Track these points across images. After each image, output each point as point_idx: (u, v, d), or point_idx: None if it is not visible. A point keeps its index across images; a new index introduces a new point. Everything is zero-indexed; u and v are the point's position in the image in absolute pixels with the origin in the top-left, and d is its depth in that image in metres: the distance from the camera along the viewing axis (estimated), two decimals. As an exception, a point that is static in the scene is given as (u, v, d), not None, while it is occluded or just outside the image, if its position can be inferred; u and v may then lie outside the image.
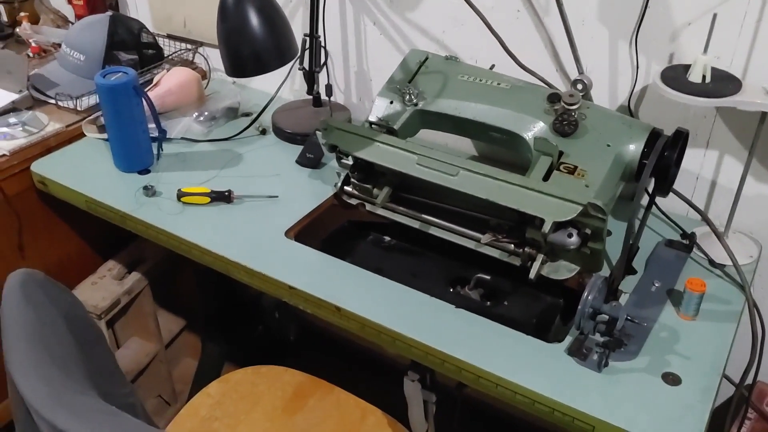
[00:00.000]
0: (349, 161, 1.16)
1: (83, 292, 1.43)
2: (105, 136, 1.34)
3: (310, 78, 1.38)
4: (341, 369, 1.45)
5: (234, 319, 1.82)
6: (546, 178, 1.02)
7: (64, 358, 0.83)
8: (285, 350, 1.85)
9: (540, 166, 1.03)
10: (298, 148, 1.35)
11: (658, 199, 1.09)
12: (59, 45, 1.61)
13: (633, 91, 1.16)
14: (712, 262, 1.08)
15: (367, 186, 1.17)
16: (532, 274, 1.02)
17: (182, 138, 1.41)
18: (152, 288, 1.54)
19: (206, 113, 1.46)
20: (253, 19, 1.08)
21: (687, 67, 1.02)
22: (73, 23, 1.76)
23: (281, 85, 1.43)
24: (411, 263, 1.21)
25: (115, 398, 0.93)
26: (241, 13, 1.08)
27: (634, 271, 1.06)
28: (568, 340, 0.94)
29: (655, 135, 1.03)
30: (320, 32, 1.33)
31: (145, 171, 1.30)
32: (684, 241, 1.12)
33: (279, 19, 1.13)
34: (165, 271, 1.57)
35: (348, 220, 1.26)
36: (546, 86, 1.18)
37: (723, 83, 1.01)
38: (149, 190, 1.23)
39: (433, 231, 1.15)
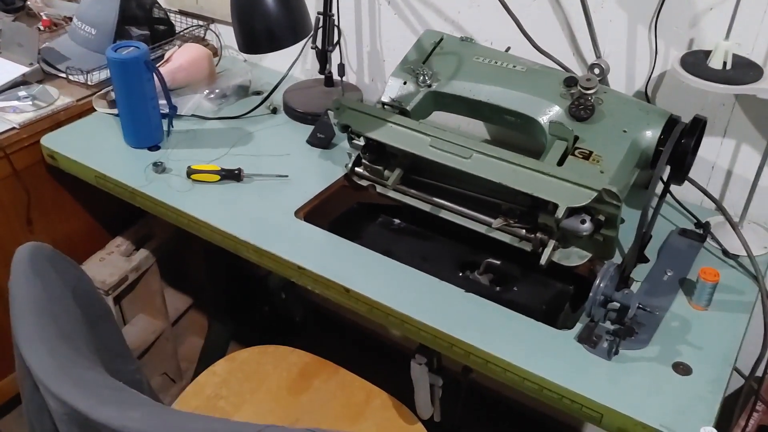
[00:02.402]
0: (361, 142, 1.15)
1: (91, 268, 1.43)
2: (115, 111, 1.34)
3: (323, 57, 1.37)
4: (347, 350, 1.45)
5: (241, 299, 1.82)
6: (560, 163, 1.01)
7: (72, 332, 0.83)
8: (291, 331, 1.85)
9: (554, 150, 1.02)
10: (309, 128, 1.34)
11: (673, 188, 1.08)
12: (70, 18, 1.59)
13: (651, 76, 1.14)
14: (725, 252, 1.07)
15: (379, 167, 1.16)
16: (543, 260, 1.01)
17: (192, 115, 1.40)
18: (160, 265, 1.54)
19: (217, 91, 1.44)
20: (267, -5, 1.06)
21: (707, 53, 1.00)
22: (84, -3, 1.75)
23: (293, 64, 1.42)
24: (421, 246, 1.20)
25: (121, 374, 0.93)
26: (255, -11, 1.06)
27: (646, 260, 1.05)
28: (578, 327, 0.93)
29: (672, 122, 1.02)
30: (334, 11, 1.31)
31: (155, 147, 1.29)
32: (698, 231, 1.11)
33: (293, -5, 1.12)
34: (173, 249, 1.57)
35: (358, 201, 1.25)
36: (562, 70, 1.16)
37: (744, 70, 0.99)
38: (159, 167, 1.22)
39: (444, 214, 1.13)
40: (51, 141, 1.31)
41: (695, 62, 1.01)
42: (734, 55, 0.99)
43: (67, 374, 0.72)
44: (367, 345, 1.80)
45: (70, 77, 1.43)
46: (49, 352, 0.75)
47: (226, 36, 1.61)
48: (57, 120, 1.35)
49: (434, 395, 1.12)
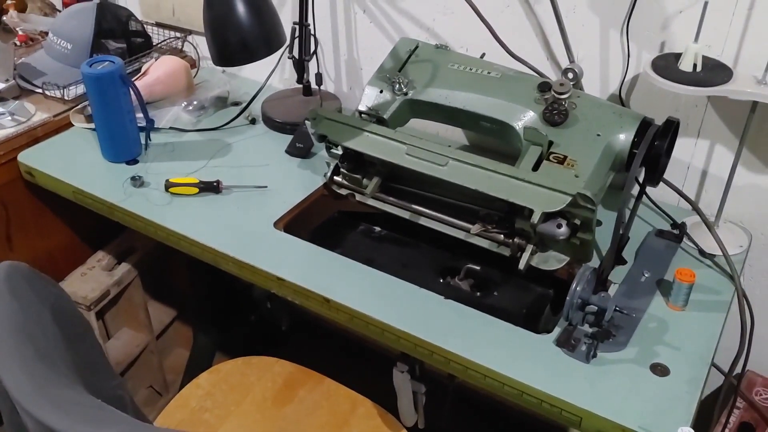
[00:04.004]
0: (339, 151, 1.15)
1: (72, 283, 1.42)
2: (93, 125, 1.33)
3: (300, 67, 1.37)
4: (334, 358, 1.45)
5: (226, 309, 1.82)
6: (536, 168, 1.01)
7: (50, 351, 0.82)
8: (277, 340, 1.85)
9: (529, 156, 1.03)
10: (288, 138, 1.34)
11: (649, 189, 1.08)
12: (46, 33, 1.59)
13: (624, 79, 1.16)
14: (702, 252, 1.08)
15: (357, 176, 1.16)
16: (521, 265, 1.01)
17: (171, 128, 1.39)
18: (143, 278, 1.53)
19: (195, 102, 1.44)
20: (240, 7, 1.07)
21: (678, 56, 1.01)
22: (60, 11, 1.74)
23: (271, 74, 1.42)
24: (401, 253, 1.21)
25: (102, 391, 0.92)
26: (227, 1, 1.06)
27: (623, 262, 1.06)
28: (557, 330, 0.94)
29: (645, 124, 1.03)
30: (310, 20, 1.32)
31: (133, 161, 1.29)
32: (674, 231, 1.12)
33: (266, 6, 1.12)
34: (155, 262, 1.57)
35: (338, 210, 1.26)
36: (536, 75, 1.17)
37: (714, 72, 1.00)
38: (137, 181, 1.22)
39: (423, 221, 1.14)
40: (28, 157, 1.30)
41: (666, 65, 1.02)
42: (704, 57, 1.00)
43: (43, 394, 0.72)
44: (355, 352, 1.80)
45: (47, 92, 1.42)
46: (26, 373, 0.74)
47: (204, 47, 1.60)
48: (34, 136, 1.34)
49: (417, 402, 1.13)
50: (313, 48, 1.34)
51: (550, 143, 1.03)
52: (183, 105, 1.44)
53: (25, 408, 0.71)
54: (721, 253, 1.06)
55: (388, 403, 1.18)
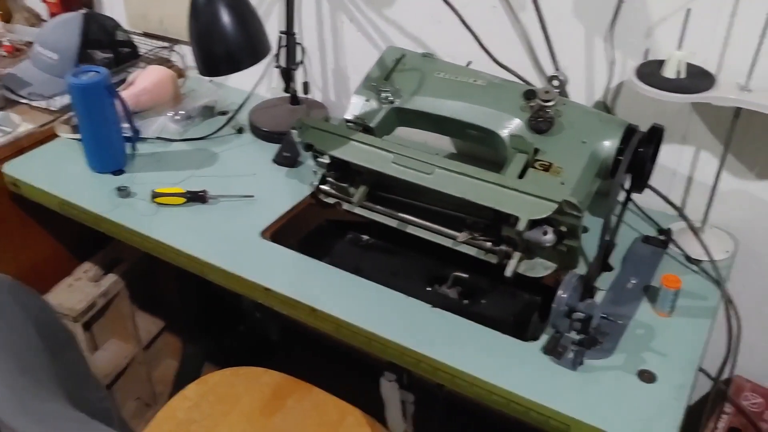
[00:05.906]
0: (326, 160, 1.15)
1: (59, 295, 1.41)
2: (79, 136, 1.32)
3: (287, 75, 1.37)
4: (323, 368, 1.44)
5: (215, 319, 1.81)
6: (522, 175, 1.02)
7: (33, 364, 0.82)
8: (266, 350, 1.84)
9: (515, 163, 1.03)
10: (275, 147, 1.34)
11: (635, 195, 1.09)
12: (32, 44, 1.58)
13: (609, 87, 1.16)
14: (688, 257, 1.08)
15: (344, 185, 1.16)
16: (508, 272, 1.01)
17: (157, 137, 1.39)
18: (130, 289, 1.52)
19: (182, 112, 1.44)
20: (225, 17, 1.07)
21: (662, 63, 1.02)
22: (46, 21, 1.74)
23: (257, 83, 1.42)
24: (389, 262, 1.20)
25: (88, 403, 0.92)
26: (212, 11, 1.06)
27: (610, 268, 1.06)
28: (545, 338, 0.94)
29: (630, 131, 1.03)
30: (296, 29, 1.32)
31: (119, 171, 1.28)
32: (660, 237, 1.12)
33: (251, 16, 1.12)
34: (143, 272, 1.56)
35: (325, 219, 1.25)
36: (522, 83, 1.17)
37: (697, 79, 1.01)
38: (123, 191, 1.21)
39: (411, 230, 1.14)
40: (13, 168, 1.30)
41: (650, 72, 1.02)
42: (688, 64, 1.01)
43: (26, 409, 0.71)
44: (344, 362, 1.79)
45: (32, 103, 1.41)
46: (8, 387, 0.74)
47: (191, 57, 1.61)
48: (19, 146, 1.34)
49: (406, 411, 1.12)
50: (299, 57, 1.34)
51: (536, 151, 1.03)
52: (170, 115, 1.43)
53: (6, 423, 0.70)
54: (707, 259, 1.06)
55: (377, 412, 1.18)
